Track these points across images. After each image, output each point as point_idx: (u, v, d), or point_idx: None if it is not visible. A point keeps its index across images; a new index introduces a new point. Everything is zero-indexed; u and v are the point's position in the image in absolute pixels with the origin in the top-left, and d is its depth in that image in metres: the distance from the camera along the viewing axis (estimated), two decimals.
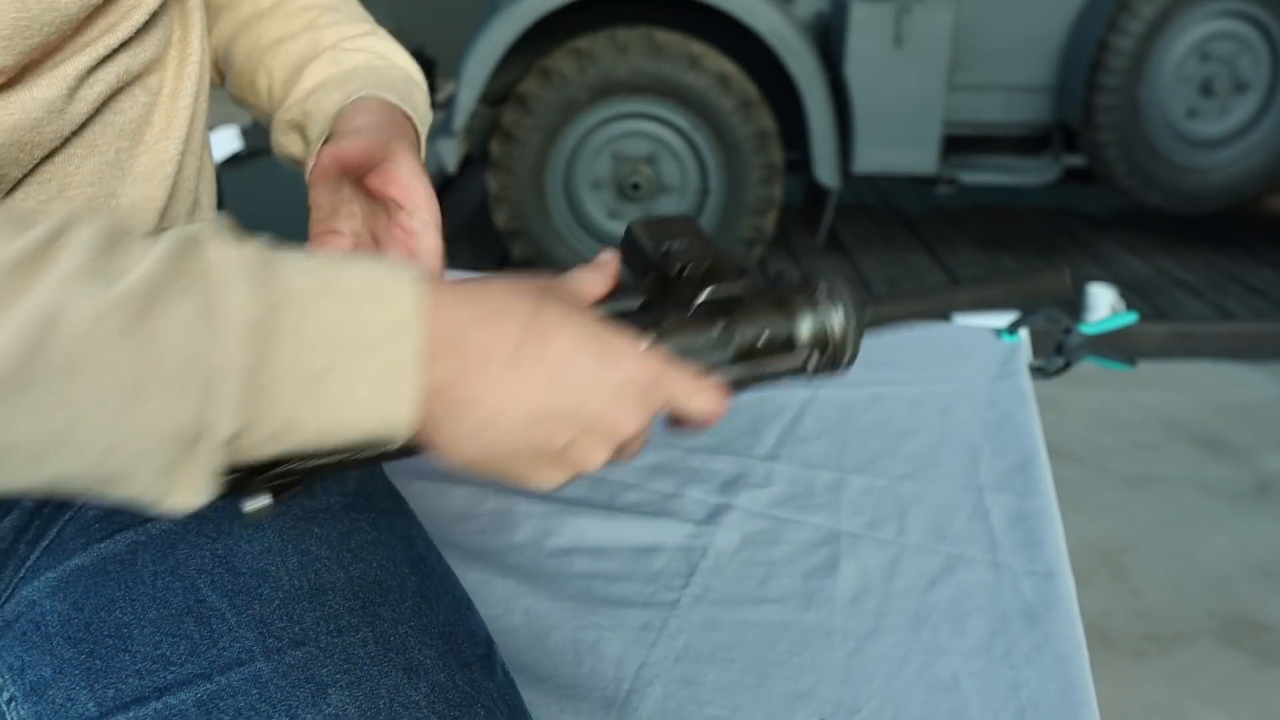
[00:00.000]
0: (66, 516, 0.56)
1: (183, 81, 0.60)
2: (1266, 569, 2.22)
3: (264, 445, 0.40)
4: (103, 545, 0.54)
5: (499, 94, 3.64)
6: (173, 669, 0.49)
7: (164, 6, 0.57)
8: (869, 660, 0.74)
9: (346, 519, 0.57)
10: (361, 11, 0.76)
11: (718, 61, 3.50)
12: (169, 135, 0.60)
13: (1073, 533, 0.94)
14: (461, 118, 3.49)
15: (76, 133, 0.54)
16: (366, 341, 0.40)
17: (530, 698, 0.60)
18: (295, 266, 0.40)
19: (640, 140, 3.60)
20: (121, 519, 0.55)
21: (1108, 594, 2.13)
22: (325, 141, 0.63)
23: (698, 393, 0.48)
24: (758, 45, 3.54)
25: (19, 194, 0.53)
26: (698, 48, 3.49)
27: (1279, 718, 1.80)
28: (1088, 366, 1.29)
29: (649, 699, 0.70)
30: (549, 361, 0.44)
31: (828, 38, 3.76)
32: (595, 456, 0.46)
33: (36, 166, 0.53)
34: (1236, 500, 2.51)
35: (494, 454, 0.44)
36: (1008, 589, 0.82)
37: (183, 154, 0.62)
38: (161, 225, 0.60)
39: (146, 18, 0.55)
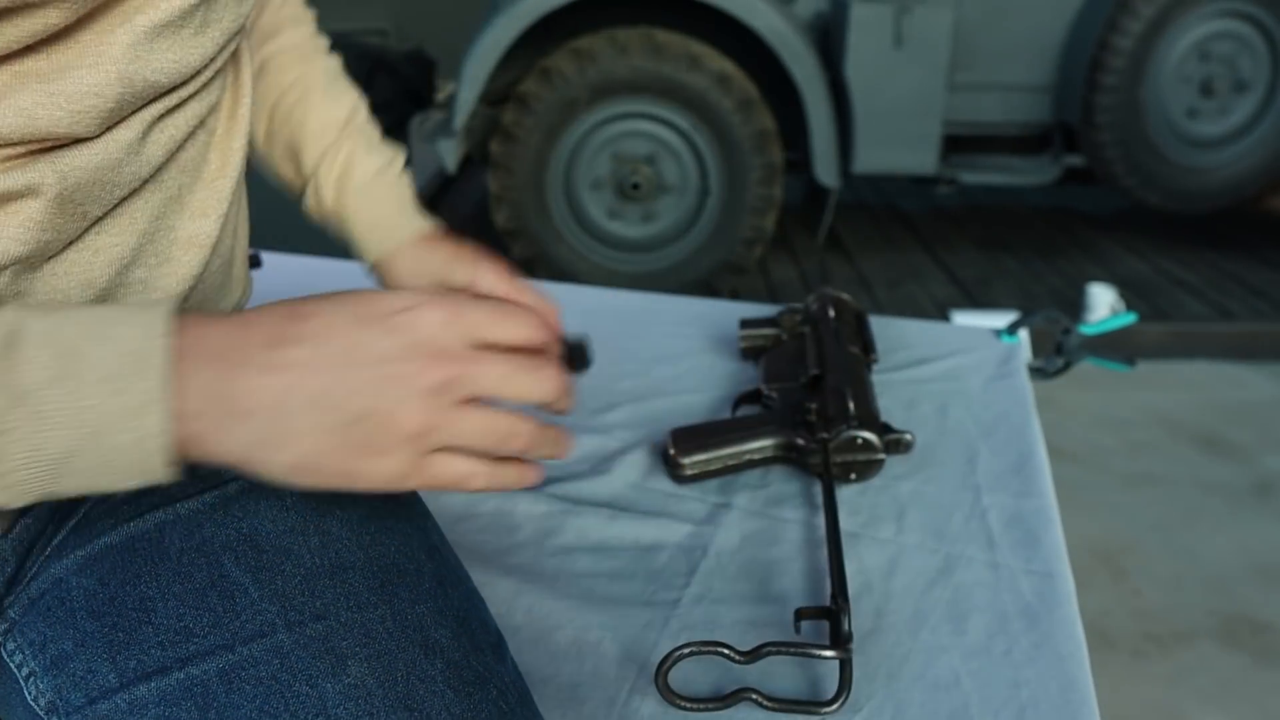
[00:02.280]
0: (95, 497, 0.57)
1: (236, 122, 0.64)
2: (1266, 569, 2.22)
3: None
4: (131, 525, 0.55)
5: (499, 94, 3.64)
6: (195, 640, 0.50)
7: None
8: (869, 659, 0.74)
9: (367, 504, 0.58)
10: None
11: (718, 61, 3.50)
12: (225, 174, 0.63)
13: (1073, 533, 0.94)
14: (461, 118, 3.49)
15: (154, 174, 0.57)
16: (106, 425, 0.41)
17: (533, 698, 0.60)
18: (35, 358, 0.41)
19: (640, 140, 3.60)
20: (151, 500, 0.56)
21: (1108, 594, 2.13)
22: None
23: (510, 318, 0.47)
24: (758, 45, 3.54)
25: (96, 228, 0.56)
26: (698, 48, 3.49)
27: (1279, 718, 1.80)
28: (1088, 366, 1.29)
29: (650, 699, 0.70)
30: (307, 337, 0.44)
31: (828, 38, 3.76)
32: (411, 420, 0.44)
33: (117, 205, 0.56)
34: (1236, 500, 2.51)
35: (301, 453, 0.44)
36: (1007, 588, 0.82)
37: (235, 191, 0.65)
38: (213, 257, 0.63)
39: (214, 74, 0.58)
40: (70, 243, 0.54)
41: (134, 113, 0.53)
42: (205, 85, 0.59)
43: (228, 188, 0.63)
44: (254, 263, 1.47)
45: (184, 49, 0.53)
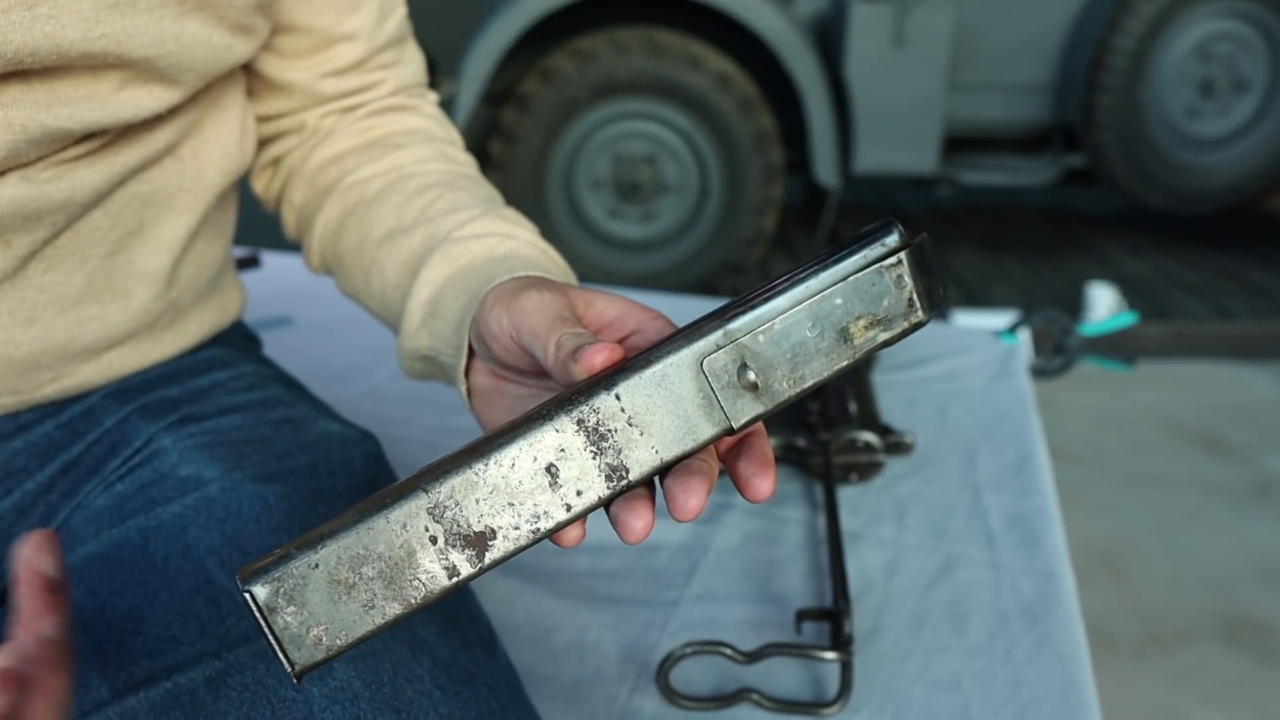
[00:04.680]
0: (73, 504, 0.57)
1: (219, 145, 0.62)
2: (1266, 569, 2.22)
3: None
4: (114, 532, 0.55)
5: (499, 94, 3.64)
6: (183, 648, 0.50)
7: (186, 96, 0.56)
8: (870, 659, 0.74)
9: (351, 499, 0.58)
10: (486, 189, 0.65)
11: (718, 61, 3.51)
12: (195, 209, 0.61)
13: (1073, 533, 0.94)
14: (461, 118, 3.49)
15: (98, 203, 0.56)
16: None
17: (533, 698, 0.60)
18: None
19: (640, 140, 3.60)
20: (132, 506, 0.56)
21: (1108, 594, 2.13)
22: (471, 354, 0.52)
23: None
24: (758, 45, 3.55)
25: (41, 265, 0.54)
26: (698, 48, 3.50)
27: (1279, 718, 1.80)
28: (1088, 366, 1.29)
29: (651, 698, 0.70)
30: None
31: (828, 38, 3.76)
32: None
33: (54, 238, 0.54)
34: (1236, 500, 2.51)
35: None
36: (1007, 588, 0.82)
37: (206, 223, 0.63)
38: (169, 294, 0.61)
39: (154, 117, 0.55)
40: (6, 278, 0.53)
41: (40, 158, 0.51)
42: (150, 126, 0.56)
43: (196, 221, 0.61)
44: (253, 263, 1.47)
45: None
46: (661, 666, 0.69)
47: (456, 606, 0.57)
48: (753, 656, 0.70)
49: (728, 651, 0.70)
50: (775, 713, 0.69)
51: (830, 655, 0.70)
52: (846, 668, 0.70)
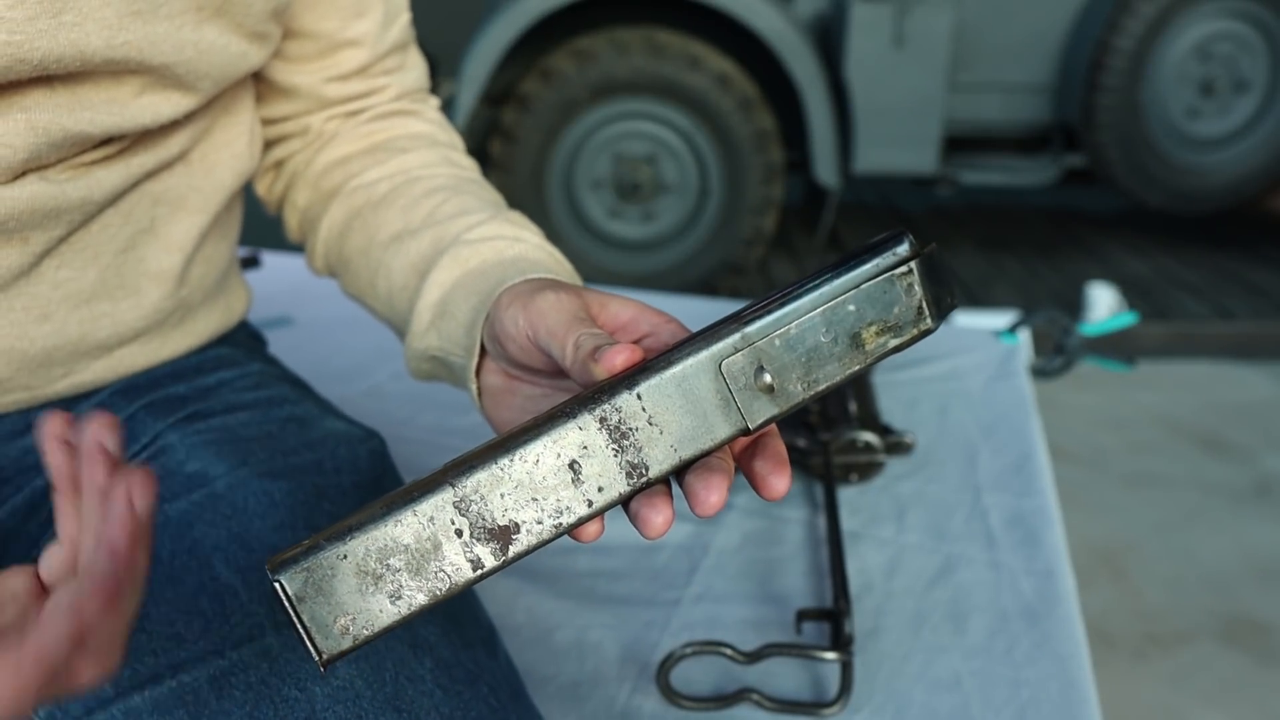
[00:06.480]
0: None
1: (229, 147, 0.63)
2: (1266, 569, 2.22)
3: None
4: None
5: (499, 94, 3.64)
6: (187, 646, 0.50)
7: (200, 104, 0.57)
8: (870, 659, 0.74)
9: (356, 497, 0.58)
10: (490, 193, 0.64)
11: (718, 61, 3.50)
12: (206, 210, 0.62)
13: (1073, 533, 0.94)
14: (461, 118, 3.49)
15: (112, 203, 0.56)
16: None
17: (534, 698, 0.60)
18: None
19: (640, 140, 3.60)
20: None
21: (1108, 594, 2.13)
22: (483, 354, 0.52)
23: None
24: (758, 45, 3.55)
25: (55, 260, 0.55)
26: (698, 48, 3.50)
27: (1279, 718, 1.80)
28: (1088, 366, 1.29)
29: (651, 698, 0.70)
30: None
31: (828, 38, 3.76)
32: None
33: (69, 235, 0.55)
34: (1236, 500, 2.51)
35: None
36: (1007, 588, 0.82)
37: (216, 223, 0.63)
38: (180, 292, 0.62)
39: (170, 122, 0.56)
40: (22, 274, 0.53)
41: (60, 160, 0.52)
42: (164, 133, 0.57)
43: (207, 221, 0.62)
44: (254, 263, 1.47)
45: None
46: (662, 666, 0.69)
47: (458, 606, 0.57)
48: (753, 656, 0.70)
49: (728, 651, 0.70)
50: (775, 713, 0.69)
51: (830, 655, 0.70)
52: (847, 668, 0.70)
